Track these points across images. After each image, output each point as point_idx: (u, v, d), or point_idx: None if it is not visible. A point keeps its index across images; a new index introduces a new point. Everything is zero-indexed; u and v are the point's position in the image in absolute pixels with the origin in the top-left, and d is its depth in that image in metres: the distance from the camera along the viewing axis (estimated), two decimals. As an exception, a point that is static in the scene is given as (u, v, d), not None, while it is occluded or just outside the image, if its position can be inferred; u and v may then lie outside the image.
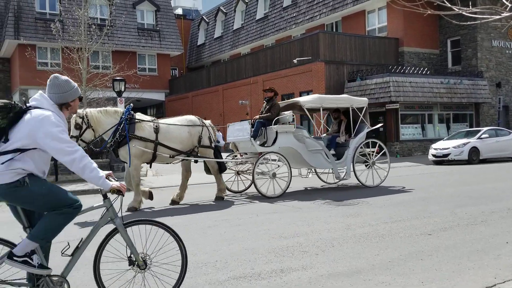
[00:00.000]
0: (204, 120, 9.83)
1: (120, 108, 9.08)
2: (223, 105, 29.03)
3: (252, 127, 10.21)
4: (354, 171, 10.78)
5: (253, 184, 9.76)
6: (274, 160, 10.25)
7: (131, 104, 8.96)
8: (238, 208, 8.64)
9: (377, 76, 21.45)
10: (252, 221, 7.30)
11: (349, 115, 11.11)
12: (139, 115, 9.03)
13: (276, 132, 10.14)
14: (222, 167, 9.94)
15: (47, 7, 30.45)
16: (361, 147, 11.04)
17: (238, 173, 10.85)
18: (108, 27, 21.00)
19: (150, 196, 9.11)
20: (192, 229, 6.76)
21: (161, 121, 9.32)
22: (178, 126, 9.18)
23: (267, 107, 10.60)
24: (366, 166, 11.34)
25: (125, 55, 29.30)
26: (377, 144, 11.48)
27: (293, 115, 10.77)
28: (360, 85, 21.82)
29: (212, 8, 41.96)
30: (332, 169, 10.85)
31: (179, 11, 48.08)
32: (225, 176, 10.41)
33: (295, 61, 23.21)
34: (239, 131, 10.48)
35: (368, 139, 11.57)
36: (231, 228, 6.74)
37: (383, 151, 11.40)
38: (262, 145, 10.19)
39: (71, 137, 8.19)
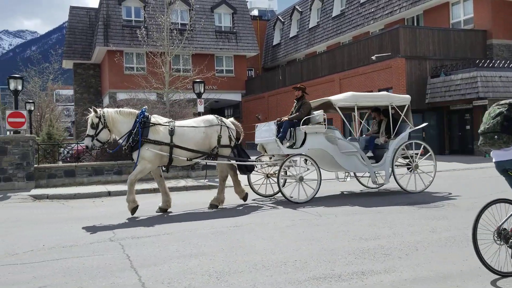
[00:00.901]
0: (223, 119, 9.35)
1: (136, 110, 8.91)
2: (299, 105, 28.93)
3: (281, 128, 9.76)
4: (394, 175, 9.89)
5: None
6: (305, 162, 9.68)
7: (145, 107, 8.98)
8: (315, 209, 8.59)
9: (463, 71, 20.18)
10: (331, 221, 7.22)
11: (389, 114, 10.32)
12: (155, 117, 8.84)
13: (305, 133, 9.57)
14: (247, 167, 9.54)
15: (132, 15, 32.34)
16: (403, 149, 10.15)
17: (267, 176, 10.20)
18: (188, 31, 21.85)
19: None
20: (270, 228, 6.84)
21: (177, 122, 9.04)
22: (193, 127, 8.90)
23: (296, 106, 10.11)
24: (408, 169, 10.39)
25: (204, 57, 30.26)
26: (422, 146, 10.44)
27: (324, 115, 9.89)
28: (444, 81, 20.67)
29: (287, 7, 42.03)
30: (369, 172, 10.09)
31: (255, 13, 48.80)
32: (254, 177, 10.21)
33: (373, 57, 22.56)
34: (266, 132, 10.00)
35: (411, 140, 10.63)
36: (309, 228, 6.72)
37: (429, 153, 10.32)
38: (291, 147, 9.73)
39: (87, 136, 8.45)
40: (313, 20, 35.56)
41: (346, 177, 10.83)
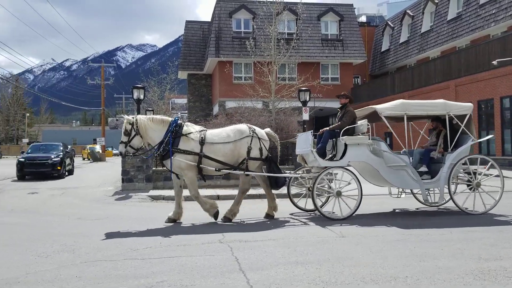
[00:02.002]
0: (256, 129, 8.97)
1: (169, 118, 8.96)
2: (409, 113, 27.57)
3: (321, 138, 9.16)
4: (450, 193, 8.87)
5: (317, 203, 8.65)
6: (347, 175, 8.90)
7: (179, 115, 8.78)
8: (428, 221, 8.09)
9: None
10: (445, 238, 6.75)
11: (449, 124, 9.24)
12: (187, 126, 8.76)
13: (345, 144, 8.82)
14: (278, 182, 8.84)
15: (242, 26, 33.63)
16: (465, 164, 9.08)
17: (309, 189, 9.49)
18: (295, 41, 22.15)
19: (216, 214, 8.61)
20: (378, 241, 6.60)
21: (209, 132, 8.84)
22: (223, 137, 8.67)
23: (340, 115, 9.41)
24: (469, 188, 9.23)
25: (310, 66, 30.35)
26: (489, 163, 9.22)
27: (368, 125, 9.10)
28: None
29: (397, 12, 40.42)
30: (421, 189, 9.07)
31: (362, 19, 47.73)
32: (294, 191, 9.73)
33: (495, 62, 20.71)
34: (304, 143, 9.40)
35: (474, 155, 9.47)
36: (421, 244, 6.36)
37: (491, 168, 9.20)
38: (331, 158, 9.07)
39: (121, 142, 8.57)
40: (425, 24, 33.76)
41: (400, 193, 9.96)
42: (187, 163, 8.41)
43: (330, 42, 34.64)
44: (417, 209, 10.07)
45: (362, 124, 9.22)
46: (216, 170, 8.62)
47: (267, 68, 20.59)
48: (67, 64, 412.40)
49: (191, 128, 8.74)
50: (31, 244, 6.76)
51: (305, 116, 17.58)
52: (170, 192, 13.08)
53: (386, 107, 9.31)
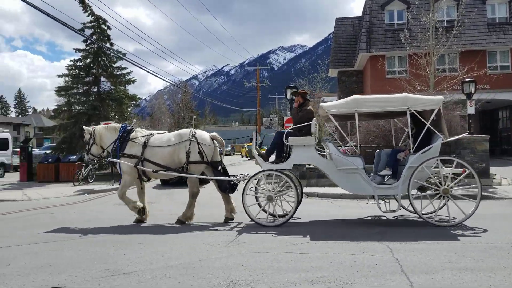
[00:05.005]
0: (198, 133, 8.96)
1: (118, 125, 9.55)
2: None
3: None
4: (410, 200, 7.64)
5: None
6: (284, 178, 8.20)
7: (126, 122, 9.03)
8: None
9: None
10: None
11: (418, 121, 8.09)
12: (136, 132, 9.22)
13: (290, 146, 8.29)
14: (220, 186, 8.75)
15: (395, 18, 32.13)
16: (436, 166, 7.76)
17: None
18: (456, 28, 20.36)
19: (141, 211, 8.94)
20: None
21: (153, 137, 9.10)
22: (164, 142, 8.92)
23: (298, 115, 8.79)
24: (436, 195, 7.83)
25: (474, 54, 27.52)
26: (455, 163, 7.82)
27: (316, 124, 8.41)
28: None
29: None
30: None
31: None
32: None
33: None
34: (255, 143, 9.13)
35: (440, 156, 7.96)
36: None
37: (468, 172, 7.61)
38: (282, 161, 8.40)
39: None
40: None
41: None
42: (128, 166, 8.91)
43: (499, 26, 30.89)
44: (376, 216, 8.38)
45: (311, 123, 8.49)
46: (153, 171, 8.95)
47: (424, 60, 19.33)
48: (226, 69, 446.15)
49: (139, 134, 9.25)
50: (201, 234, 7.52)
51: (470, 110, 16.01)
52: (324, 190, 13.22)
53: (334, 105, 8.49)
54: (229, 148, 64.84)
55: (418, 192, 8.22)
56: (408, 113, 8.00)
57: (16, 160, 26.06)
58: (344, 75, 37.38)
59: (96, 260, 5.83)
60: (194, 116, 72.58)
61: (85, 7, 23.47)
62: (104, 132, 9.38)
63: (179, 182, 12.77)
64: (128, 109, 26.72)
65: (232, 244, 6.62)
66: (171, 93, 69.81)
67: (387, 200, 8.59)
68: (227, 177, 8.87)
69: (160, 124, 58.00)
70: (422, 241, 6.44)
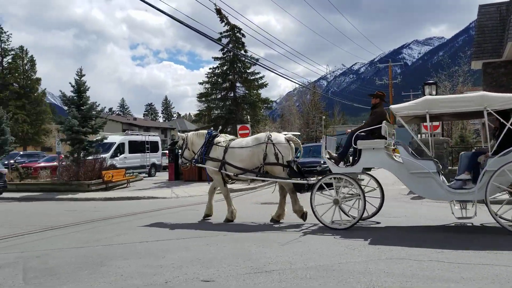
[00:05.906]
0: (274, 136, 9.32)
1: (205, 131, 10.41)
2: None
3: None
4: (488, 208, 7.10)
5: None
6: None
7: (212, 129, 10.21)
8: None
9: None
10: None
11: (500, 122, 7.45)
12: (219, 137, 9.95)
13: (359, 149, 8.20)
14: (298, 186, 8.83)
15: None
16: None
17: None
18: None
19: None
20: None
21: (235, 141, 9.73)
22: (242, 145, 9.42)
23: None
24: None
25: None
26: None
27: (386, 127, 8.12)
28: None
29: None
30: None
31: None
32: None
33: None
34: (330, 147, 8.95)
35: None
36: None
37: None
38: (353, 164, 8.32)
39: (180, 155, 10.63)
40: None
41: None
42: (213, 169, 9.63)
43: None
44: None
45: (381, 126, 8.18)
46: (234, 175, 9.46)
47: None
48: (356, 67, 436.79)
49: (222, 138, 9.93)
50: (338, 236, 7.47)
51: None
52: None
53: (403, 107, 8.15)
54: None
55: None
56: (485, 113, 7.40)
57: (165, 161, 28.95)
58: (489, 67, 33.67)
59: (239, 257, 6.17)
60: (324, 117, 72.53)
61: (222, 18, 25.09)
62: (195, 138, 10.26)
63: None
64: (261, 111, 27.80)
65: (370, 248, 6.46)
66: (300, 94, 70.71)
67: (463, 206, 8.02)
68: (302, 181, 8.83)
69: (290, 125, 59.20)
70: None
